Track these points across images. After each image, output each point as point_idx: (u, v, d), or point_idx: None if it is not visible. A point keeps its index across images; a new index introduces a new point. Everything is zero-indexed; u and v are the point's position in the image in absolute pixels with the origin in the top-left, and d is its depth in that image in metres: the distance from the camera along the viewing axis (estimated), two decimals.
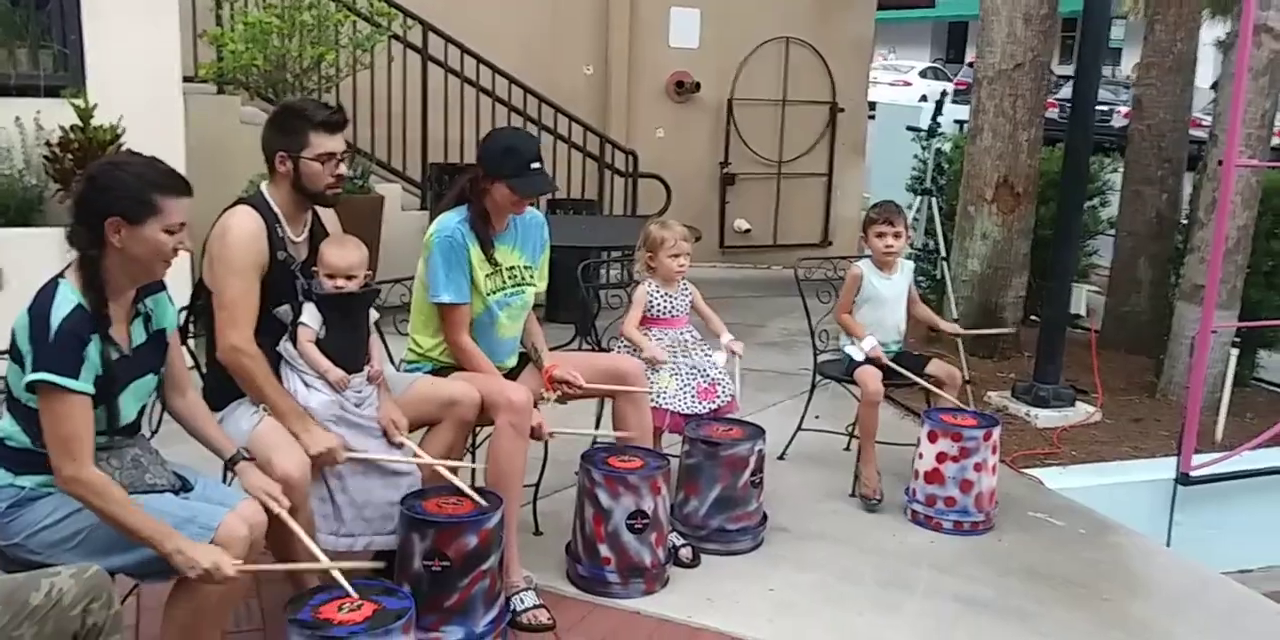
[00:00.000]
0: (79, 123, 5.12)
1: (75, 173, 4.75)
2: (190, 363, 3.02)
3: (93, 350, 2.38)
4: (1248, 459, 5.21)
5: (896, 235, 4.27)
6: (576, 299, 4.31)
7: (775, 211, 9.40)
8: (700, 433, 3.78)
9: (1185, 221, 6.67)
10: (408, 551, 2.94)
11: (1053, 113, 10.13)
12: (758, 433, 3.83)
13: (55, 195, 5.21)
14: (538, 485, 3.80)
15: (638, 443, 3.57)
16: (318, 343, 2.99)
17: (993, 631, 3.34)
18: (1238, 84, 5.17)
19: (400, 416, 3.10)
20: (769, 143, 9.27)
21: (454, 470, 3.09)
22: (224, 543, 2.39)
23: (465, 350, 3.36)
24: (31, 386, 2.34)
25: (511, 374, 3.51)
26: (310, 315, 2.99)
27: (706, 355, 4.01)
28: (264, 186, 3.07)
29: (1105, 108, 18.30)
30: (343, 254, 3.02)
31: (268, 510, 2.58)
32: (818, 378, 4.61)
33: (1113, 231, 7.29)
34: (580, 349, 4.33)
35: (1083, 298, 6.48)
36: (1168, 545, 4.86)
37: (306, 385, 2.98)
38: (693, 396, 3.90)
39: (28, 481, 2.43)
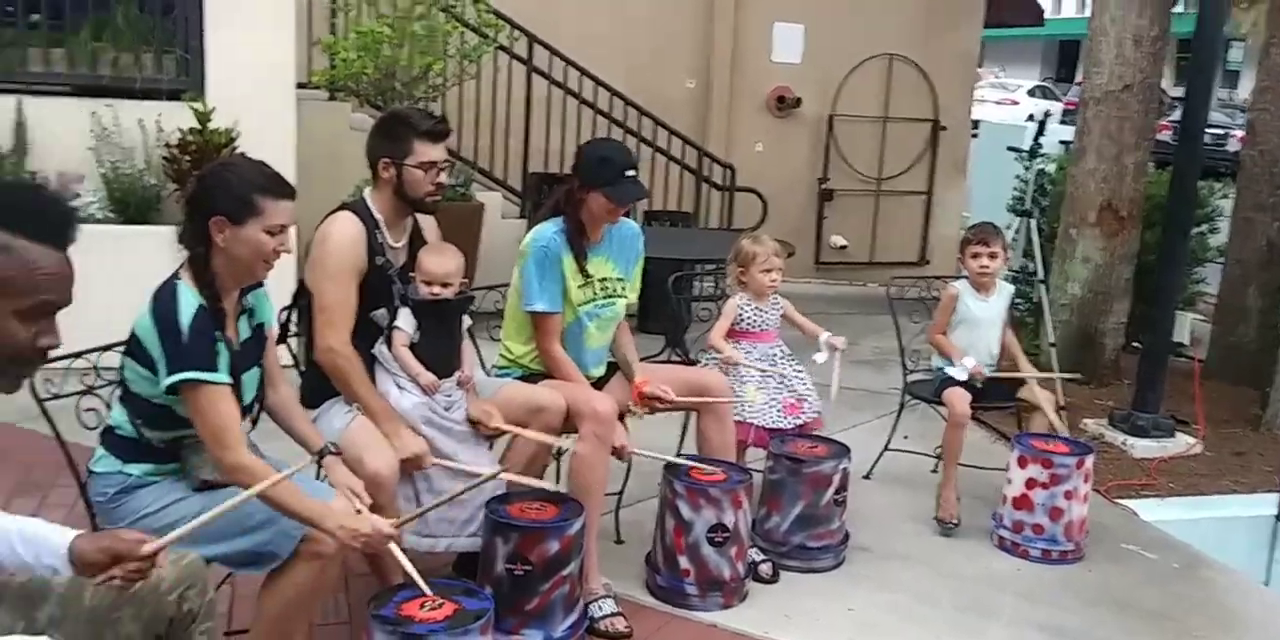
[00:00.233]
0: (197, 125, 5.31)
1: (190, 173, 4.93)
2: (290, 361, 3.11)
3: (220, 346, 2.48)
4: None
5: (991, 256, 4.22)
6: (667, 310, 4.35)
7: (873, 229, 9.33)
8: (785, 449, 3.77)
9: None
10: (490, 554, 3.00)
11: (1165, 135, 9.89)
12: (843, 451, 3.81)
13: (172, 195, 5.41)
14: (621, 494, 3.82)
15: (720, 457, 3.58)
16: (412, 347, 3.06)
17: None
18: None
19: (493, 407, 3.15)
20: (869, 159, 9.21)
21: (542, 467, 3.11)
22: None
23: (555, 358, 3.41)
24: (173, 388, 2.40)
25: (598, 383, 3.56)
26: (405, 320, 3.06)
27: (798, 370, 4.00)
28: (367, 192, 3.16)
29: (1220, 132, 17.76)
30: (440, 261, 3.09)
31: None
32: (906, 398, 4.57)
33: (1221, 259, 7.09)
34: (670, 360, 4.36)
35: (1187, 326, 6.31)
36: (1266, 583, 4.70)
37: (399, 388, 3.05)
38: (778, 411, 3.90)
39: (135, 470, 2.53)
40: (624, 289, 3.59)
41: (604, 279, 3.51)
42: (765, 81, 8.93)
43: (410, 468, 2.95)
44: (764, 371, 3.91)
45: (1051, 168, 7.46)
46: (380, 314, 3.07)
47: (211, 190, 2.51)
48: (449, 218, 3.34)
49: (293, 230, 2.57)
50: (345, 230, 3.02)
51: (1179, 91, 16.26)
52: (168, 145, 5.38)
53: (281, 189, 2.54)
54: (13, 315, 1.74)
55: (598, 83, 7.48)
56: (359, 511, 2.58)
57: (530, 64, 7.30)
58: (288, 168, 5.19)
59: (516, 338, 3.51)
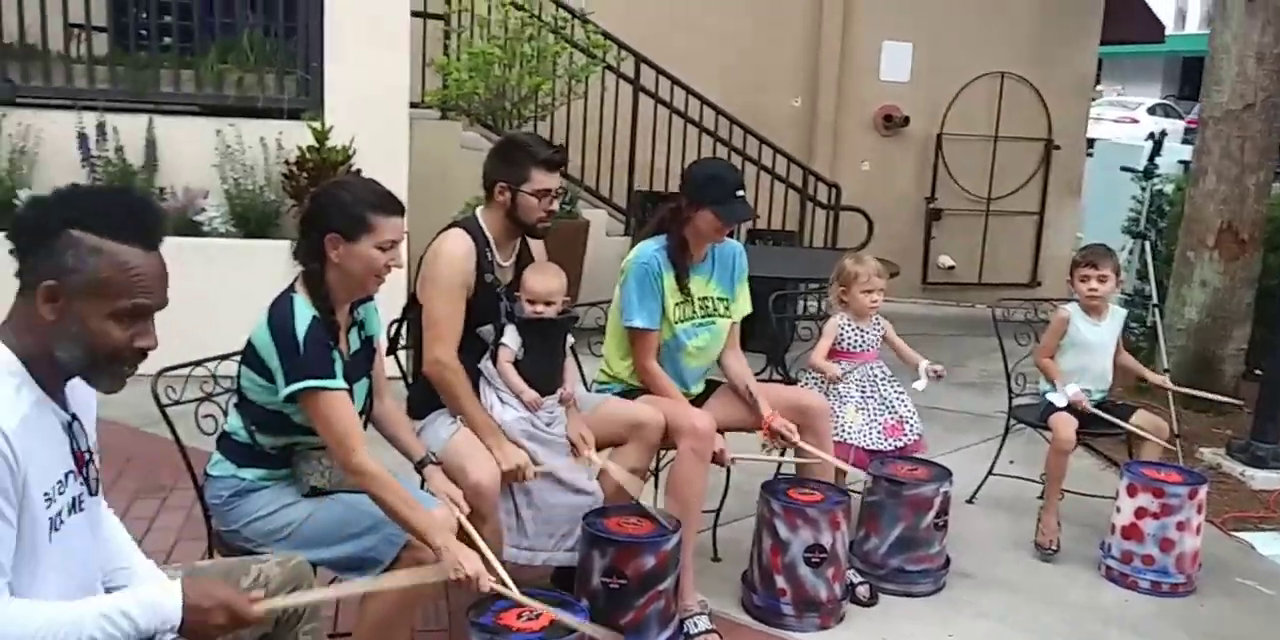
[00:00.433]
0: (315, 144, 5.49)
1: (308, 190, 5.09)
2: (398, 373, 3.19)
3: (335, 354, 2.56)
4: None
5: (1101, 279, 4.13)
6: (769, 329, 4.35)
7: (982, 249, 9.18)
8: (885, 471, 3.74)
9: None
10: (587, 567, 3.03)
11: None
12: (944, 474, 3.76)
13: (289, 210, 5.60)
14: (718, 512, 3.83)
15: (820, 476, 3.57)
16: (516, 364, 3.12)
17: None
18: None
19: (589, 432, 3.19)
20: (978, 179, 9.07)
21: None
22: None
23: (652, 374, 3.44)
24: (293, 397, 2.48)
25: (698, 400, 3.57)
26: (511, 337, 3.12)
27: (899, 392, 3.97)
28: (479, 211, 3.23)
29: None
30: (543, 281, 3.15)
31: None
32: (1012, 422, 4.49)
33: None
34: (770, 379, 4.36)
35: None
36: None
37: (502, 402, 3.11)
38: (879, 432, 3.86)
39: (249, 474, 2.63)
40: (727, 309, 3.59)
41: (704, 298, 3.53)
42: (872, 100, 8.88)
43: (512, 479, 3.00)
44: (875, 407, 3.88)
45: (1169, 188, 7.26)
46: (487, 330, 3.13)
47: (326, 208, 2.60)
48: (554, 235, 3.39)
49: (403, 245, 2.65)
50: (457, 247, 3.09)
51: None
52: (287, 162, 5.57)
53: (392, 206, 2.61)
54: (109, 317, 1.78)
55: (703, 101, 7.52)
56: (458, 519, 2.64)
57: (637, 83, 7.38)
58: (400, 185, 5.35)
59: (617, 353, 3.55)
